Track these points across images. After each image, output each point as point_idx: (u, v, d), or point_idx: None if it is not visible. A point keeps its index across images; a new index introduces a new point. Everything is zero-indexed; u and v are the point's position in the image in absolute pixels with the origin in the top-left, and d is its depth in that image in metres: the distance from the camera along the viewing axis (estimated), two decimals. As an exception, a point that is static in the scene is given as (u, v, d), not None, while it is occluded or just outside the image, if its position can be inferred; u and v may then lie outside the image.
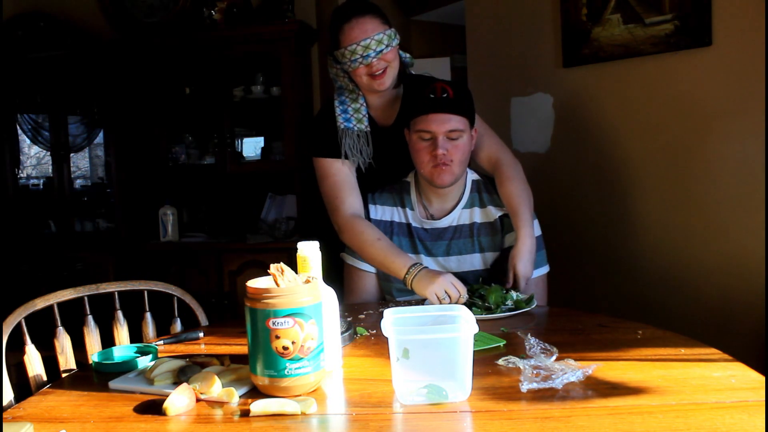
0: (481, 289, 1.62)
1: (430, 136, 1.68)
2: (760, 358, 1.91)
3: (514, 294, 1.60)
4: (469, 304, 1.56)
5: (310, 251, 1.20)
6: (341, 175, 1.85)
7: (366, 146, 1.85)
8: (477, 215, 1.81)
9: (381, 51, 1.74)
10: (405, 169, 1.88)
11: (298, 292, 1.05)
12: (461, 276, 1.77)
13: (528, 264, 1.68)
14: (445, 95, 1.66)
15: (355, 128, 1.85)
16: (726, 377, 1.06)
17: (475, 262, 1.80)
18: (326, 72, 1.94)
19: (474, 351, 1.03)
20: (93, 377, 1.25)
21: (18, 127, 3.71)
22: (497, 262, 1.81)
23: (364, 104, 1.88)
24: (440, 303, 1.59)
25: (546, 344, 1.22)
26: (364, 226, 1.79)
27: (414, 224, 1.83)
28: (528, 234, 1.69)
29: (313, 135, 1.92)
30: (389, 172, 1.90)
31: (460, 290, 1.60)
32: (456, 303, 1.58)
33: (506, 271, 1.70)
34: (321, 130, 1.89)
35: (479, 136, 1.83)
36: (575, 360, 1.14)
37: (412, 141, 1.73)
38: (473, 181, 1.85)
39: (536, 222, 1.79)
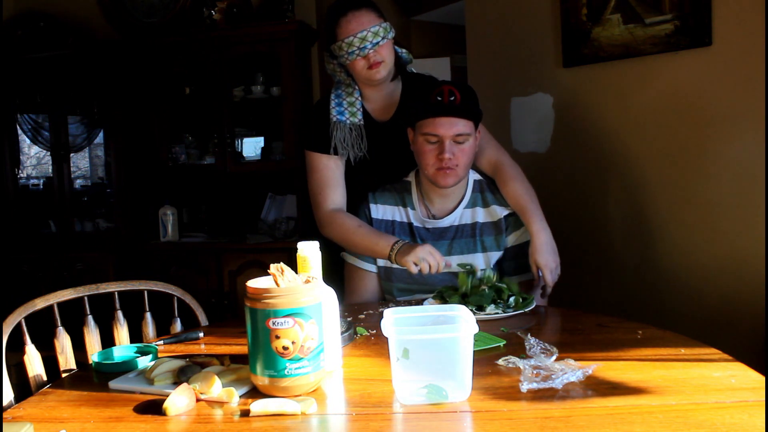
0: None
1: (436, 140, 1.69)
2: (760, 358, 1.91)
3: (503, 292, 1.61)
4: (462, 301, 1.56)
5: (310, 251, 1.20)
6: (327, 171, 1.89)
7: (359, 140, 1.87)
8: (480, 215, 1.81)
9: (377, 43, 1.77)
10: (402, 163, 1.88)
11: (298, 292, 1.05)
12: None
13: (548, 255, 1.69)
14: (452, 98, 1.66)
15: (348, 121, 1.87)
16: (726, 377, 1.05)
17: (477, 261, 1.80)
18: (326, 72, 1.95)
19: (474, 351, 1.03)
20: (93, 377, 1.25)
21: (18, 127, 3.70)
22: (499, 262, 1.81)
23: (360, 98, 1.90)
24: (420, 272, 1.64)
25: (546, 344, 1.22)
26: (344, 217, 1.84)
27: (416, 224, 1.83)
28: (541, 227, 1.71)
29: (306, 127, 1.96)
30: (386, 166, 1.91)
31: (438, 260, 1.64)
32: (436, 272, 1.64)
33: (531, 271, 1.72)
34: (314, 123, 1.93)
35: (480, 140, 1.83)
36: (575, 360, 1.14)
37: (418, 142, 1.74)
38: (475, 180, 1.85)
39: (542, 215, 1.80)
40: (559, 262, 1.72)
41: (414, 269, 1.64)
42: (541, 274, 1.69)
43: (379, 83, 1.87)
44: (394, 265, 1.80)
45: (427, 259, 1.64)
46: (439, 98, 1.67)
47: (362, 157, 1.89)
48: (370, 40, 1.76)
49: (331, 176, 1.89)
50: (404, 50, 1.95)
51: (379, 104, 1.93)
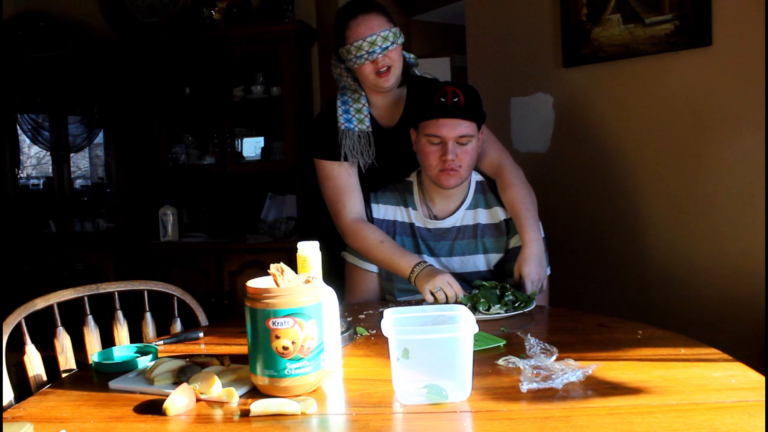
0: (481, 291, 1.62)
1: (439, 141, 1.68)
2: (760, 358, 1.91)
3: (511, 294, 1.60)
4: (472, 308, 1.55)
5: (310, 251, 1.20)
6: (341, 179, 1.86)
7: (367, 147, 1.85)
8: (481, 216, 1.81)
9: (386, 48, 1.75)
10: (407, 169, 1.88)
11: (298, 292, 1.05)
12: (464, 277, 1.78)
13: (533, 267, 1.68)
14: (456, 100, 1.66)
15: (356, 129, 1.85)
16: (726, 377, 1.05)
17: (478, 263, 1.80)
18: (326, 72, 1.95)
19: (474, 351, 1.03)
20: (93, 377, 1.25)
21: (18, 127, 3.71)
22: (501, 263, 1.81)
23: (366, 104, 1.88)
24: (435, 300, 1.60)
25: (546, 344, 1.22)
26: (367, 229, 1.80)
27: (417, 224, 1.83)
28: (533, 238, 1.70)
29: (314, 136, 1.93)
30: (391, 172, 1.90)
31: (456, 291, 1.60)
32: (454, 302, 1.59)
33: (514, 276, 1.71)
34: (321, 131, 1.90)
35: (482, 142, 1.82)
36: (575, 360, 1.14)
37: (421, 143, 1.73)
38: (477, 182, 1.85)
39: (539, 224, 1.79)
40: (545, 276, 1.71)
41: (430, 299, 1.61)
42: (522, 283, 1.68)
43: (387, 90, 1.85)
44: None
45: (444, 289, 1.60)
46: (443, 99, 1.66)
47: (371, 164, 1.87)
48: (380, 45, 1.74)
49: (345, 183, 1.86)
50: (412, 55, 1.93)
51: (384, 110, 1.91)
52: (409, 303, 1.72)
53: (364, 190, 1.89)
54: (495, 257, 1.80)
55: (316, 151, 1.90)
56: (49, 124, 3.64)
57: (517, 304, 1.57)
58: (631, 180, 2.39)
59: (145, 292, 1.62)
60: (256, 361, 1.06)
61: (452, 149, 1.67)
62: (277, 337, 1.03)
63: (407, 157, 1.81)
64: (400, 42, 1.79)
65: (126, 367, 1.24)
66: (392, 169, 1.89)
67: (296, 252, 1.20)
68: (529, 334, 1.28)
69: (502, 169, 1.83)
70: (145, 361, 1.25)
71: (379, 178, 1.90)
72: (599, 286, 2.51)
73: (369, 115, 1.87)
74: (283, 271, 1.09)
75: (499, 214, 1.81)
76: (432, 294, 1.61)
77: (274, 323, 1.03)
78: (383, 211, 1.85)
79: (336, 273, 1.90)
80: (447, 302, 1.59)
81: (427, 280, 1.62)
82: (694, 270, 2.24)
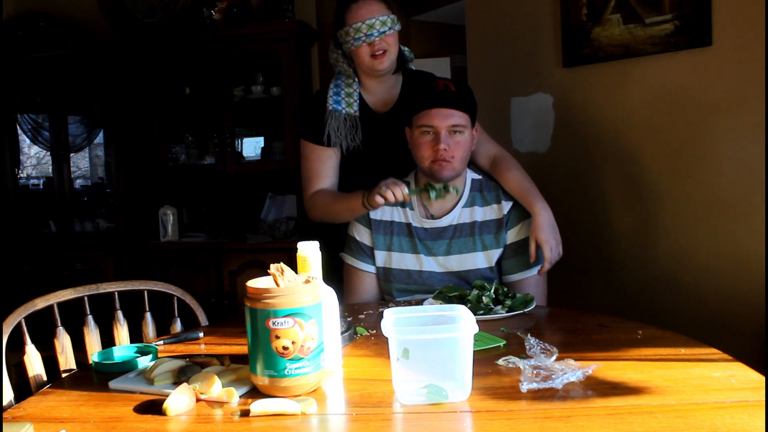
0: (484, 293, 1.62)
1: (432, 131, 1.70)
2: (760, 358, 1.91)
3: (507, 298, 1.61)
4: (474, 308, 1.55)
5: (310, 251, 1.20)
6: (318, 163, 1.95)
7: (353, 131, 1.92)
8: (478, 214, 1.81)
9: (384, 32, 1.84)
10: (398, 156, 1.89)
11: (298, 292, 1.05)
12: (463, 275, 1.78)
13: (549, 233, 1.70)
14: (447, 90, 1.68)
15: (343, 111, 1.92)
16: (726, 377, 1.05)
17: (477, 261, 1.80)
18: (326, 72, 1.99)
19: (474, 351, 1.03)
20: (93, 377, 1.25)
21: (18, 127, 3.71)
22: (499, 261, 1.81)
23: (358, 90, 1.95)
24: (387, 202, 1.66)
25: (546, 344, 1.22)
26: (322, 194, 1.91)
27: (414, 224, 1.83)
28: (542, 207, 1.73)
29: (304, 116, 2.03)
30: (384, 157, 1.94)
31: (400, 186, 1.66)
32: (402, 199, 1.66)
33: (530, 248, 1.72)
34: (310, 113, 1.98)
35: (479, 138, 1.84)
36: (575, 360, 1.14)
37: (414, 137, 1.75)
38: (474, 180, 1.85)
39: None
40: (559, 241, 1.72)
41: (380, 200, 1.67)
42: (540, 253, 1.70)
43: (382, 74, 1.92)
44: (393, 266, 1.80)
45: (390, 187, 1.66)
46: (434, 90, 1.70)
47: (356, 147, 1.93)
48: (378, 29, 1.83)
49: (321, 168, 1.95)
50: (407, 48, 2.02)
51: (378, 96, 1.98)
52: (408, 303, 1.72)
53: (354, 174, 1.94)
54: (495, 253, 1.80)
55: (303, 130, 1.99)
56: (49, 124, 3.64)
57: (509, 303, 1.57)
58: (630, 180, 2.39)
59: (145, 292, 1.62)
60: (256, 361, 1.06)
61: (444, 139, 1.68)
62: (277, 337, 1.03)
63: (399, 145, 1.84)
64: (397, 29, 1.89)
65: (126, 367, 1.24)
66: (384, 154, 1.95)
67: (296, 252, 1.20)
68: (529, 334, 1.28)
69: (499, 158, 1.89)
70: (145, 361, 1.25)
71: (370, 162, 1.95)
72: (599, 286, 2.51)
73: (358, 101, 1.94)
74: (283, 271, 1.09)
75: (496, 211, 1.81)
76: (381, 196, 1.66)
77: (274, 323, 1.03)
78: (380, 211, 1.86)
79: (336, 273, 1.90)
80: (395, 198, 1.65)
81: (373, 193, 1.68)
82: (694, 270, 2.24)
